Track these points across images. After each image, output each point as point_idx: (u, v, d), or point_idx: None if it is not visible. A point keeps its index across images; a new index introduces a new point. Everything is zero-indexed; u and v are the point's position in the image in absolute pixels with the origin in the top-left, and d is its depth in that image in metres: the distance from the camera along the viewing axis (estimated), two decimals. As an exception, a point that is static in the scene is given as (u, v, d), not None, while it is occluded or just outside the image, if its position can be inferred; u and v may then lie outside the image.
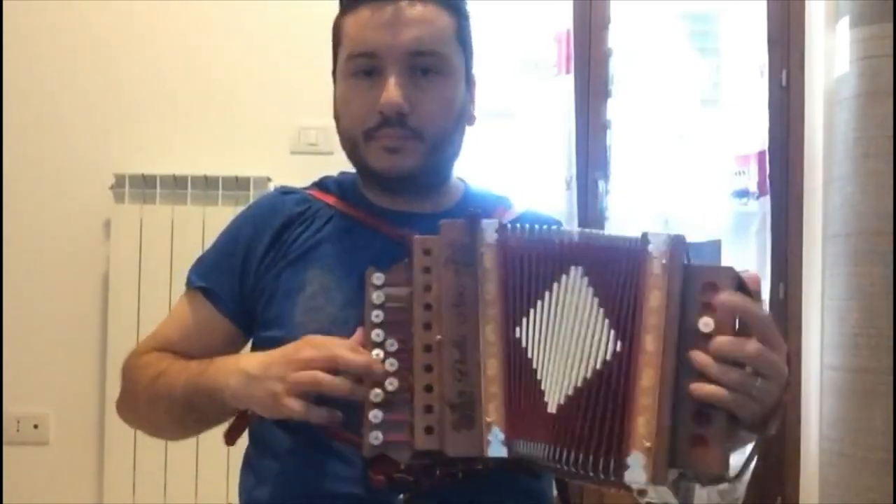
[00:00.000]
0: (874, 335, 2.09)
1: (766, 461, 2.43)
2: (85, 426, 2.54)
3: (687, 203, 2.59)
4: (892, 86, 2.09)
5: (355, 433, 1.02)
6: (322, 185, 1.27)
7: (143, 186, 2.53)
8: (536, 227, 1.03)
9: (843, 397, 2.14)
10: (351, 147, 1.18)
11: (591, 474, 0.93)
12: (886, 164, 2.09)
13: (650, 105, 2.62)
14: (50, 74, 2.60)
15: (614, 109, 2.57)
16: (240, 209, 1.29)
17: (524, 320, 0.98)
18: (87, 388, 2.54)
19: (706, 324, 0.91)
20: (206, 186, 2.52)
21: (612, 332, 0.94)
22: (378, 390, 0.99)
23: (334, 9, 1.21)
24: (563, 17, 2.55)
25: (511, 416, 0.96)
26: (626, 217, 2.55)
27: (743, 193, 2.56)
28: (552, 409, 0.95)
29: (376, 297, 1.03)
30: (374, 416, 0.98)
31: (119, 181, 2.53)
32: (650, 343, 0.92)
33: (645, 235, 0.95)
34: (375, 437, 0.98)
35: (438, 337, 0.98)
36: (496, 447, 0.96)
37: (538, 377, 0.97)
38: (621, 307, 0.95)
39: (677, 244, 0.94)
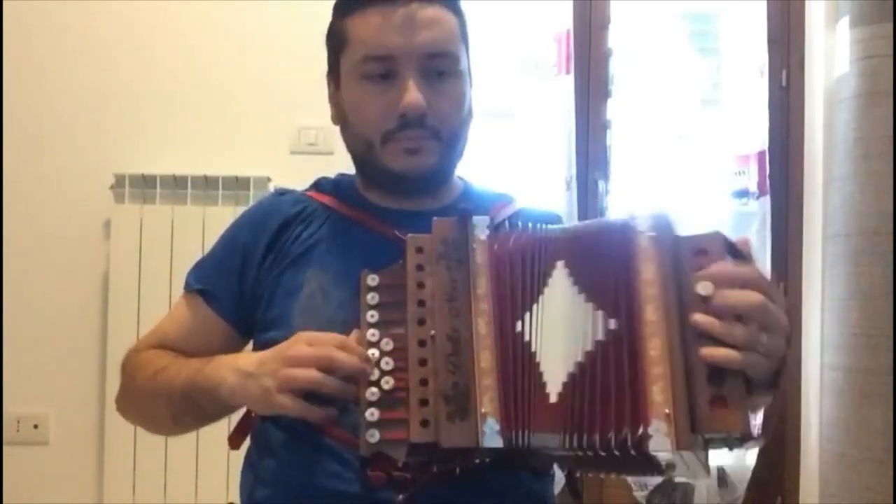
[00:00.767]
0: (874, 335, 2.09)
1: (766, 461, 2.43)
2: (85, 426, 2.54)
3: (687, 203, 2.59)
4: (892, 86, 2.09)
5: (353, 432, 1.02)
6: (318, 186, 1.28)
7: (143, 186, 2.53)
8: (528, 223, 1.04)
9: (843, 397, 2.14)
10: (364, 149, 1.18)
11: (610, 453, 0.91)
12: (886, 164, 2.09)
13: (650, 105, 2.62)
14: (50, 74, 2.60)
15: (614, 109, 2.57)
16: (240, 209, 1.30)
17: (517, 312, 0.99)
18: (87, 388, 2.54)
19: (705, 287, 0.90)
20: (206, 186, 2.52)
21: (601, 313, 0.94)
22: (374, 389, 0.99)
23: (333, 9, 1.21)
24: (563, 17, 2.55)
25: (507, 407, 0.96)
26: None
27: (743, 193, 2.57)
28: (553, 398, 0.95)
29: (371, 297, 1.04)
30: (371, 414, 0.98)
31: (119, 181, 2.53)
32: (651, 313, 0.91)
33: (630, 215, 0.96)
34: (372, 436, 0.98)
35: (432, 332, 0.99)
36: (491, 437, 0.95)
37: (535, 368, 0.97)
38: (608, 288, 0.94)
39: (662, 218, 0.95)
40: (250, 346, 1.23)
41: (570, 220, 2.43)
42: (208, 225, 2.45)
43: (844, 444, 2.12)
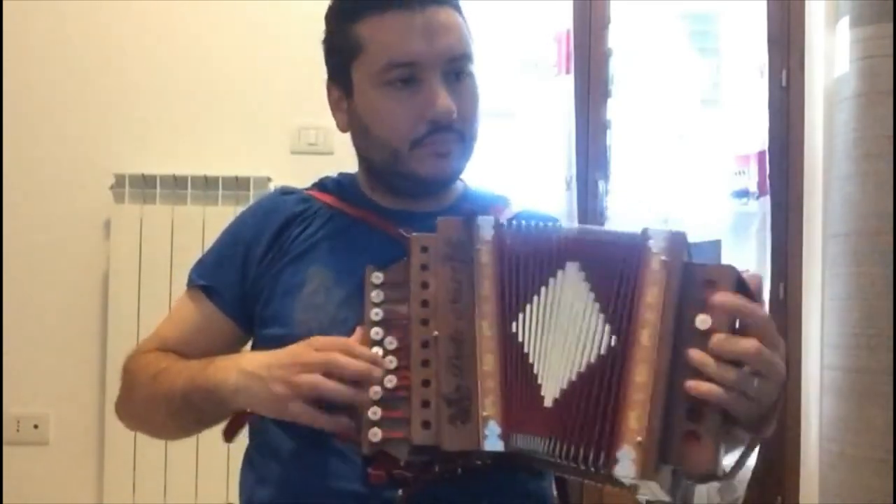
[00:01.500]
0: (874, 335, 2.09)
1: (766, 461, 2.43)
2: (85, 426, 2.54)
3: (687, 203, 2.59)
4: (892, 86, 2.09)
5: (355, 430, 1.01)
6: (321, 185, 1.27)
7: (143, 186, 2.53)
8: (533, 223, 1.03)
9: (843, 397, 2.14)
10: (389, 157, 1.16)
11: (583, 468, 0.92)
12: (886, 164, 2.09)
13: (650, 105, 2.62)
14: (50, 74, 2.60)
15: (614, 109, 2.57)
16: (240, 209, 1.30)
17: (521, 315, 0.99)
18: (87, 388, 2.54)
19: (703, 321, 0.90)
20: (206, 186, 2.52)
21: (608, 326, 0.94)
22: (377, 388, 0.99)
23: (335, 10, 1.20)
24: (563, 17, 2.55)
25: (508, 411, 0.96)
26: (626, 217, 2.55)
27: (743, 193, 2.57)
28: (548, 402, 0.95)
29: (375, 295, 1.03)
30: (373, 413, 0.98)
31: (119, 181, 2.53)
32: (646, 339, 0.91)
33: (645, 231, 0.95)
34: (374, 434, 0.98)
35: (435, 333, 0.99)
36: (493, 441, 0.96)
37: (535, 371, 0.97)
38: (617, 302, 0.94)
39: (677, 241, 0.93)
40: (250, 344, 1.23)
41: (570, 221, 2.43)
42: (208, 225, 2.45)
43: (844, 444, 2.12)
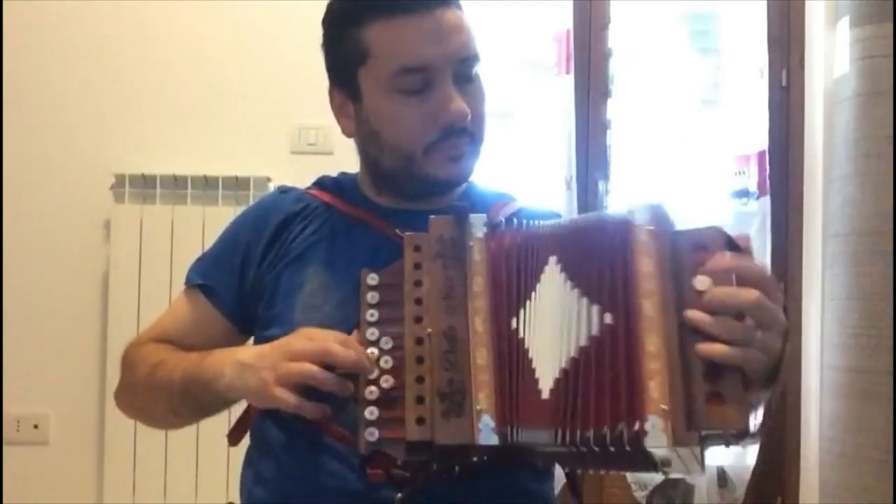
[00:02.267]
0: (874, 335, 2.09)
1: (766, 461, 2.43)
2: (85, 426, 2.54)
3: (687, 203, 2.59)
4: (892, 86, 2.09)
5: (352, 430, 1.02)
6: (320, 184, 1.27)
7: (143, 186, 2.53)
8: (525, 220, 1.03)
9: (843, 397, 2.14)
10: (403, 161, 1.15)
11: (604, 449, 0.90)
12: (886, 164, 2.09)
13: (650, 105, 2.62)
14: (50, 74, 2.60)
15: (614, 109, 2.57)
16: (240, 209, 1.30)
17: (513, 311, 0.99)
18: (87, 388, 2.54)
19: (702, 282, 0.89)
20: (206, 186, 2.52)
21: (596, 307, 0.93)
22: (373, 387, 0.99)
23: (335, 9, 1.20)
24: (563, 17, 2.55)
25: (502, 404, 0.96)
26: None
27: (743, 193, 2.56)
28: (546, 394, 0.95)
29: (371, 296, 1.04)
30: (370, 412, 0.99)
31: (119, 181, 2.53)
32: (649, 308, 0.90)
33: (627, 209, 0.95)
34: (371, 434, 0.98)
35: (429, 330, 0.99)
36: (487, 434, 0.95)
37: (531, 365, 0.97)
38: (604, 282, 0.93)
39: (659, 211, 0.93)
40: (250, 343, 1.23)
41: (570, 220, 2.43)
42: (208, 225, 2.45)
43: (844, 444, 2.12)
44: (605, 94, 2.56)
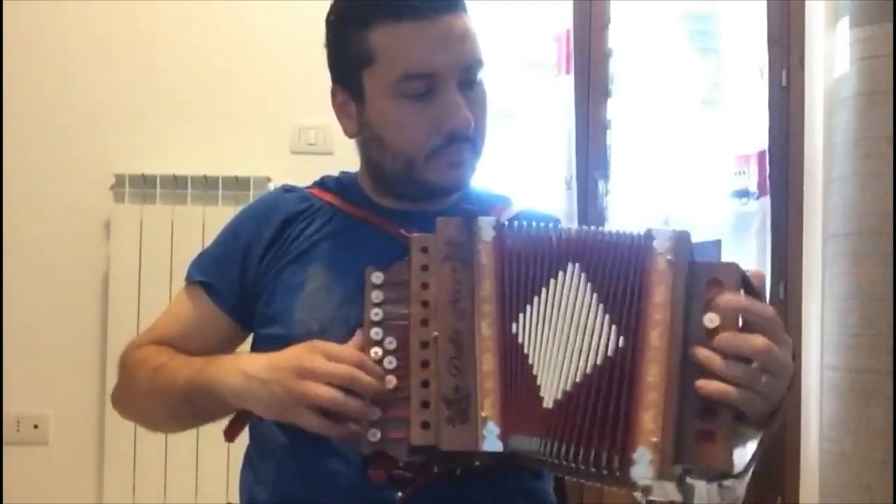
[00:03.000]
0: (874, 335, 2.09)
1: (766, 461, 2.43)
2: (85, 426, 2.54)
3: (687, 203, 2.59)
4: (892, 86, 2.09)
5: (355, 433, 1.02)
6: (323, 184, 1.27)
7: (143, 186, 2.53)
8: (534, 224, 1.03)
9: (843, 397, 2.14)
10: (405, 166, 1.14)
11: (594, 470, 0.92)
12: (886, 164, 2.09)
13: (650, 105, 2.62)
14: (50, 74, 2.60)
15: (614, 109, 2.57)
16: (240, 209, 1.29)
17: (521, 316, 0.98)
18: (87, 388, 2.54)
19: (711, 320, 0.90)
20: (206, 186, 2.52)
21: (614, 327, 0.93)
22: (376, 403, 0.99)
23: (336, 9, 1.19)
24: (563, 17, 2.55)
25: (507, 411, 0.96)
26: (626, 217, 2.55)
27: (743, 193, 2.56)
28: (548, 403, 0.95)
29: (375, 295, 1.03)
30: (372, 412, 0.98)
31: (119, 181, 2.54)
32: (655, 339, 0.91)
33: (649, 231, 0.95)
34: (373, 435, 0.98)
35: (435, 334, 0.98)
36: (491, 441, 0.95)
37: (535, 373, 0.97)
38: (623, 303, 0.94)
39: (682, 240, 0.93)
40: (249, 340, 1.23)
41: (570, 221, 2.44)
42: (208, 225, 2.45)
43: (844, 444, 2.12)
44: (605, 94, 2.57)
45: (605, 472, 0.91)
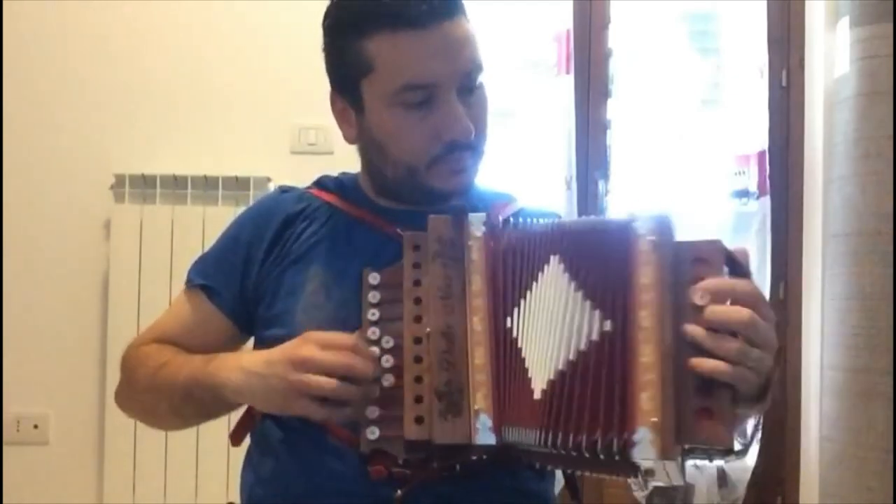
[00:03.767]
0: (874, 335, 2.09)
1: (766, 461, 2.43)
2: (85, 426, 2.54)
3: (687, 203, 2.59)
4: (892, 86, 2.09)
5: (353, 429, 1.03)
6: (321, 184, 1.27)
7: (143, 186, 2.53)
8: (524, 220, 1.04)
9: (843, 397, 2.14)
10: (406, 174, 1.14)
11: (594, 456, 0.91)
12: (886, 164, 2.09)
13: (650, 105, 2.62)
14: (50, 74, 2.60)
15: (614, 109, 2.57)
16: (240, 209, 1.30)
17: (512, 310, 0.99)
18: (87, 388, 2.54)
19: (701, 296, 0.89)
20: (206, 186, 2.53)
21: (598, 312, 0.93)
22: (374, 386, 1.00)
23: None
24: (563, 17, 2.55)
25: (499, 404, 0.97)
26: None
27: (743, 193, 2.56)
28: (537, 395, 0.95)
29: (372, 296, 1.04)
30: (371, 411, 0.99)
31: (119, 181, 2.54)
32: (646, 319, 0.90)
33: (630, 216, 0.95)
34: (372, 433, 0.99)
35: (427, 329, 0.99)
36: (484, 434, 0.96)
37: (525, 365, 0.97)
38: (606, 288, 0.94)
39: (664, 222, 0.93)
40: (250, 343, 1.23)
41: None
42: (208, 225, 2.45)
43: (844, 444, 2.12)
44: (605, 94, 2.57)
45: (604, 457, 0.90)
